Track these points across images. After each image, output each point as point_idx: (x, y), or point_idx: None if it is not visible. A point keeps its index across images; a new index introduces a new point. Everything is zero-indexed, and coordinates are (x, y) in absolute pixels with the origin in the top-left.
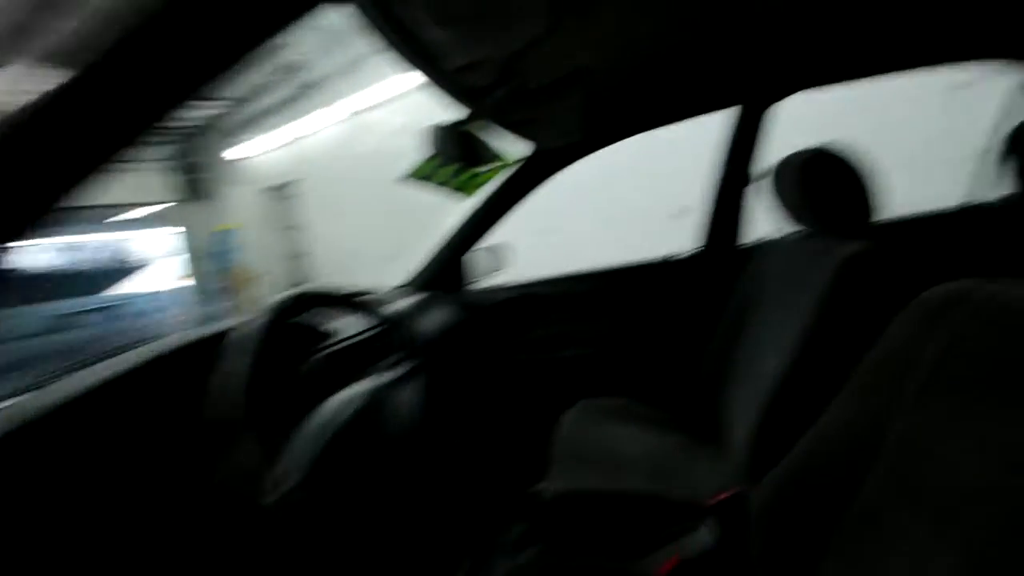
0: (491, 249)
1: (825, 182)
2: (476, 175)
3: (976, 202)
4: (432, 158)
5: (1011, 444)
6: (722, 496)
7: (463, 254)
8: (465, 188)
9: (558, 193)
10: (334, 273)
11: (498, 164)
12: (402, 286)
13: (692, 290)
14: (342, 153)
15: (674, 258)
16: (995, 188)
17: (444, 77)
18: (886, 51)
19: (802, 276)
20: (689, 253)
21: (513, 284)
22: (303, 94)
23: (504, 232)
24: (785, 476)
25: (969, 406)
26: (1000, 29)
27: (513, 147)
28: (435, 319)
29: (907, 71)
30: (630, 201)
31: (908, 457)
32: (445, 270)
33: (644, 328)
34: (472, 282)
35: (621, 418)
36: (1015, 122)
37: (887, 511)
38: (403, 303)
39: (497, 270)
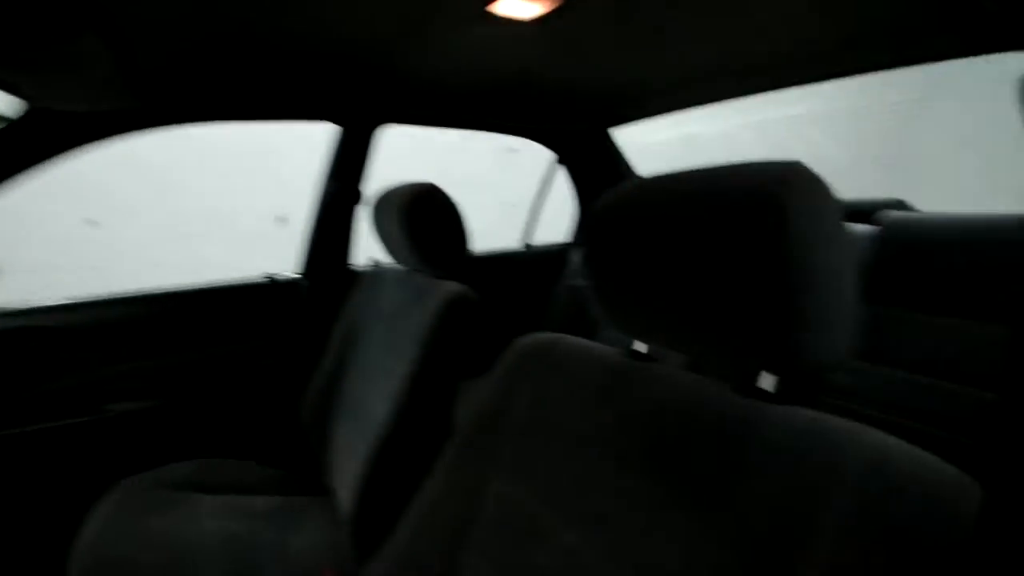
0: None
1: (428, 221)
2: None
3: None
4: None
5: (583, 507)
6: None
7: None
8: None
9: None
10: None
11: None
12: None
13: (290, 317)
14: None
15: (268, 280)
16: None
17: None
18: (469, 111)
19: (405, 315)
20: (285, 276)
21: (9, 309)
22: None
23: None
24: (396, 553)
25: (546, 462)
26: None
27: None
28: None
29: (487, 131)
30: (227, 200)
31: (498, 523)
32: None
33: (230, 366)
34: None
35: (192, 492)
36: (551, 184)
37: None
38: None
39: None
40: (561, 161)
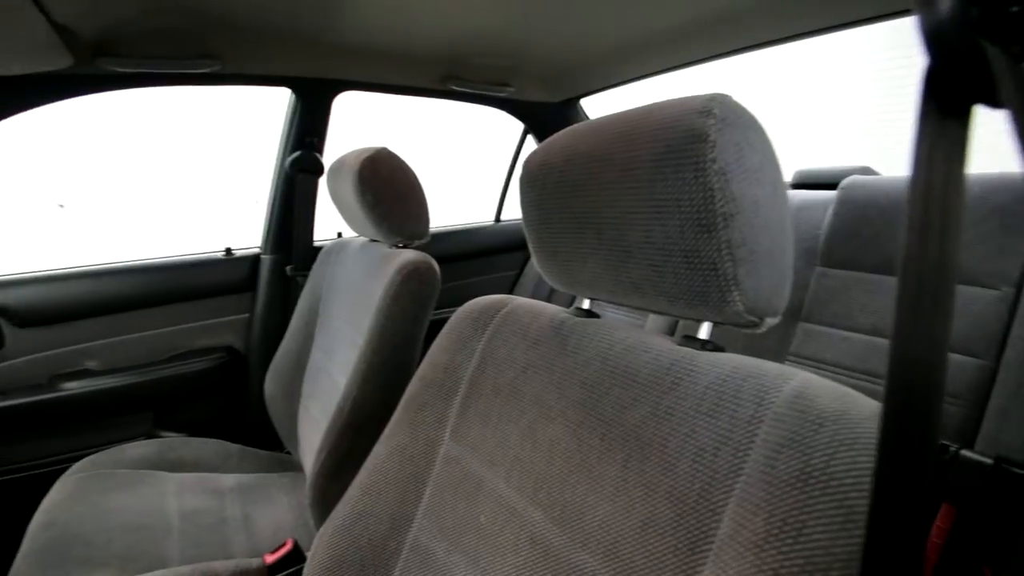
0: None
1: (379, 186)
2: None
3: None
4: None
5: (522, 463)
6: (277, 554)
7: None
8: None
9: None
10: None
11: None
12: None
13: (252, 293)
14: None
15: (227, 255)
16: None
17: None
18: (429, 78)
19: (363, 287)
20: (244, 251)
21: None
22: None
23: None
24: (344, 512)
25: (489, 421)
26: None
27: None
28: None
29: (453, 100)
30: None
31: (445, 484)
32: None
33: (191, 342)
34: None
35: (154, 470)
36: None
37: (431, 543)
38: None
39: None
40: (531, 132)
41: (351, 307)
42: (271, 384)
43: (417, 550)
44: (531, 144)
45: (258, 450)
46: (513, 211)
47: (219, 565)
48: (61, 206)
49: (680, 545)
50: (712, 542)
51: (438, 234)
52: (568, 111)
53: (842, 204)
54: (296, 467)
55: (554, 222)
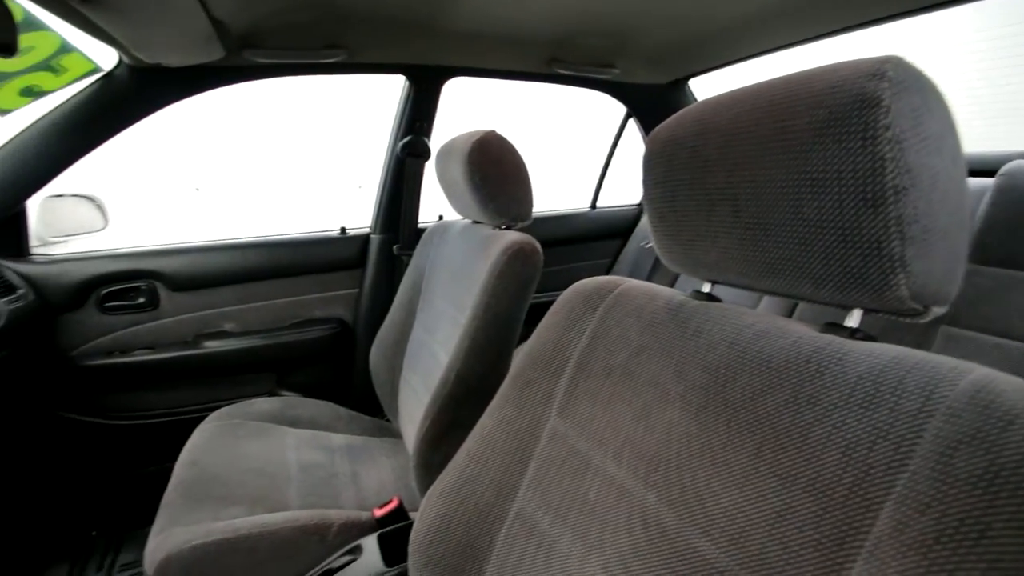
0: (82, 198)
1: (488, 167)
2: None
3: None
4: None
5: (634, 446)
6: (384, 509)
7: (21, 202)
8: None
9: None
10: None
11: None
12: None
13: (362, 269)
14: None
15: (342, 234)
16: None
17: None
18: (535, 62)
19: (467, 266)
20: (357, 230)
21: (126, 252)
22: None
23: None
24: (451, 477)
25: (599, 401)
26: None
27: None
28: None
29: (557, 84)
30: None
31: (551, 459)
32: None
33: (310, 312)
34: (41, 245)
35: (277, 424)
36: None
37: (536, 515)
38: None
39: (95, 229)
40: (634, 115)
41: (453, 286)
42: (375, 356)
43: (522, 519)
44: (633, 129)
45: (362, 415)
46: (608, 199)
47: (333, 513)
48: (197, 189)
49: (823, 540)
50: (864, 539)
51: (535, 218)
52: (675, 93)
53: (1001, 193)
54: (395, 434)
55: (680, 200)
